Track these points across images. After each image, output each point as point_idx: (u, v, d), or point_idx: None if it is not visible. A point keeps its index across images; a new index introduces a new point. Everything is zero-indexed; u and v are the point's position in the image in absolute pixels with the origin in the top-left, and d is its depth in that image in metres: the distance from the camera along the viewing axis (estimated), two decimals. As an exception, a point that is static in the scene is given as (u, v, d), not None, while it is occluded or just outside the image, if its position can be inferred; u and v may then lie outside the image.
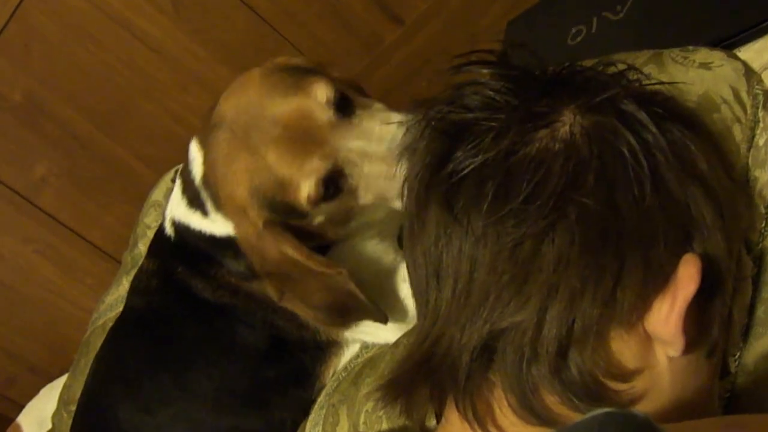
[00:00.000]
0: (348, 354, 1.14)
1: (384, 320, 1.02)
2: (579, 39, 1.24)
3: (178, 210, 1.11)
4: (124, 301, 1.44)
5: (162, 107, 1.71)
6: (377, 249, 1.08)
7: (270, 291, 1.01)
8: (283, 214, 0.97)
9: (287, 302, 1.02)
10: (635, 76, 0.71)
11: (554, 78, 0.69)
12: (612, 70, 0.71)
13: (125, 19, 1.60)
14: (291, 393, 1.13)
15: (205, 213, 1.04)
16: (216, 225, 1.03)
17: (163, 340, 1.13)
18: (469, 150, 0.64)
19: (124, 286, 1.49)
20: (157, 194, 1.56)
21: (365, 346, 1.14)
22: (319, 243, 1.04)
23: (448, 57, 0.73)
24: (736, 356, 0.81)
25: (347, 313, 1.03)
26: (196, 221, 1.06)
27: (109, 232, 1.84)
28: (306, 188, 0.92)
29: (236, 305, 1.08)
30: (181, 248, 1.11)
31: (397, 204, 0.92)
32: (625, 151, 0.61)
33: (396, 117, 0.93)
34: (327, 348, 1.12)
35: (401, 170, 0.79)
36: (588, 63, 0.74)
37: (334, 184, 0.94)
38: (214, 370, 1.10)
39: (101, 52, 1.63)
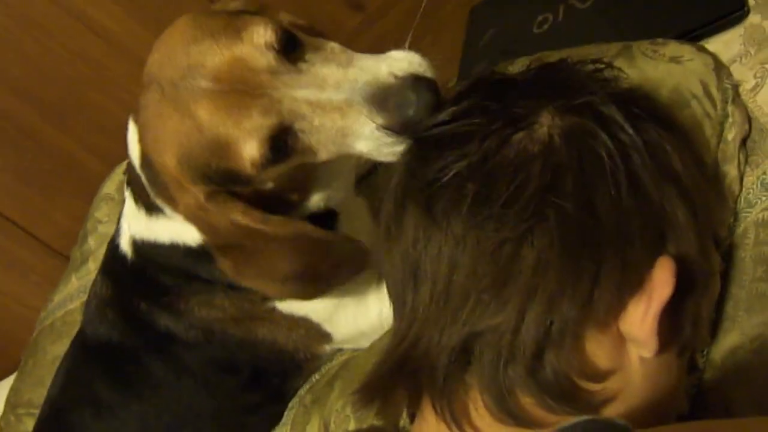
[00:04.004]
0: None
1: (361, 268, 0.93)
2: (546, 27, 1.22)
3: (137, 224, 0.97)
4: (73, 299, 1.42)
5: (114, 99, 1.67)
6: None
7: (225, 268, 0.89)
8: (224, 183, 0.83)
9: (248, 281, 0.92)
10: (612, 74, 0.71)
11: (532, 78, 0.69)
12: (589, 68, 0.71)
13: (76, 8, 1.55)
14: (269, 410, 1.11)
15: (161, 212, 0.92)
16: (179, 224, 0.91)
17: (133, 378, 1.06)
18: (449, 157, 0.64)
19: (72, 283, 1.45)
20: (108, 187, 1.52)
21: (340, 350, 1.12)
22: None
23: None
24: (704, 352, 0.81)
25: (320, 277, 0.94)
26: (161, 230, 0.94)
27: (57, 227, 1.79)
28: (248, 150, 0.78)
29: (212, 342, 1.00)
30: (140, 276, 1.00)
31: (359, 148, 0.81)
32: (603, 154, 0.61)
33: (361, 59, 0.81)
34: (305, 365, 1.09)
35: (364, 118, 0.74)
36: (560, 55, 0.73)
37: (283, 143, 0.79)
38: (195, 399, 1.06)
39: (49, 42, 1.58)
